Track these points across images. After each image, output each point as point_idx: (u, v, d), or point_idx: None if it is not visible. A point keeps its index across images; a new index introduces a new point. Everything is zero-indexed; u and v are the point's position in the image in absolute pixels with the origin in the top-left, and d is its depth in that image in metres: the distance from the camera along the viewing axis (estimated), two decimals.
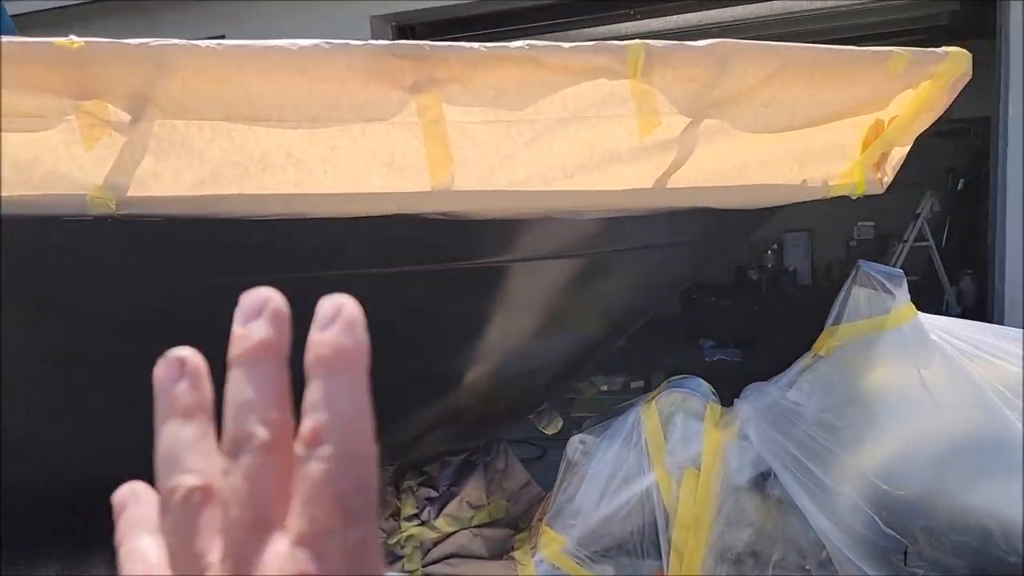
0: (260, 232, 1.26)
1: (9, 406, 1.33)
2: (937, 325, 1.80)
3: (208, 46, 1.15)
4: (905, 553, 1.63)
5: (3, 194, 1.11)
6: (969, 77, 1.56)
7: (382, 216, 1.29)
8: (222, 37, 4.92)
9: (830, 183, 1.64)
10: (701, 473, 1.95)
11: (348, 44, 1.21)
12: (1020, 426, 1.58)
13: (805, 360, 1.85)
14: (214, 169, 1.20)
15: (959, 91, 1.58)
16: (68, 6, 6.15)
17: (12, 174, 1.13)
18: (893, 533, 1.72)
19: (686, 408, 1.96)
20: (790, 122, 1.51)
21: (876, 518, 1.72)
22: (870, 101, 1.57)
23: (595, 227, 1.56)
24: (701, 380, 2.06)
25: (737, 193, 1.54)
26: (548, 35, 5.37)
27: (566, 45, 1.33)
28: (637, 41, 1.35)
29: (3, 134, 1.10)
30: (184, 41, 1.15)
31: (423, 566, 2.10)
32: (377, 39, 5.11)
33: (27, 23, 6.06)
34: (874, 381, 1.75)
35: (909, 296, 1.81)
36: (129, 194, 1.16)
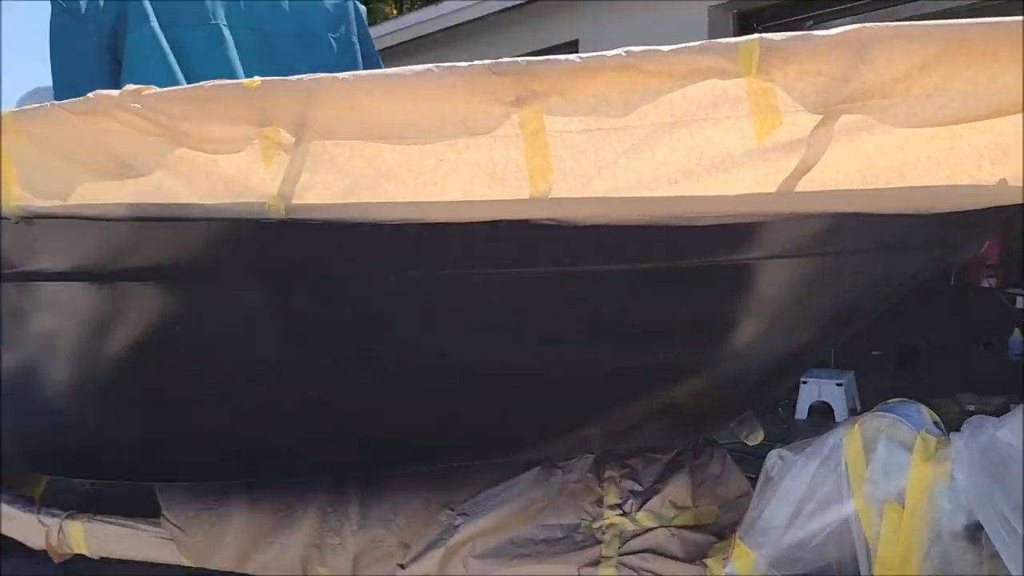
0: (394, 234, 1.49)
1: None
2: None
3: (343, 77, 1.41)
4: None
5: (215, 202, 1.50)
6: None
7: (493, 223, 1.43)
8: (576, 41, 5.35)
9: None
10: (905, 511, 1.71)
11: (454, 67, 1.36)
12: None
13: None
14: (353, 181, 1.45)
15: None
16: (464, 23, 6.97)
17: (221, 186, 1.51)
18: None
19: (891, 435, 1.74)
20: (966, 113, 1.27)
21: None
22: None
23: (796, 230, 1.50)
24: (922, 407, 1.79)
25: (898, 197, 1.34)
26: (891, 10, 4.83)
27: (666, 48, 1.31)
28: (752, 37, 1.28)
29: (214, 156, 1.49)
30: (329, 75, 1.42)
31: (619, 555, 2.18)
32: (717, 29, 5.12)
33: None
34: None
35: None
36: (294, 202, 1.48)
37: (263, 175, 1.49)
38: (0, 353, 2.47)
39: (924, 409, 1.80)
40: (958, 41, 1.23)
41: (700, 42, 1.31)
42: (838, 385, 4.05)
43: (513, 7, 6.23)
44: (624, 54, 1.32)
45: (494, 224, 1.44)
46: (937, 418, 1.78)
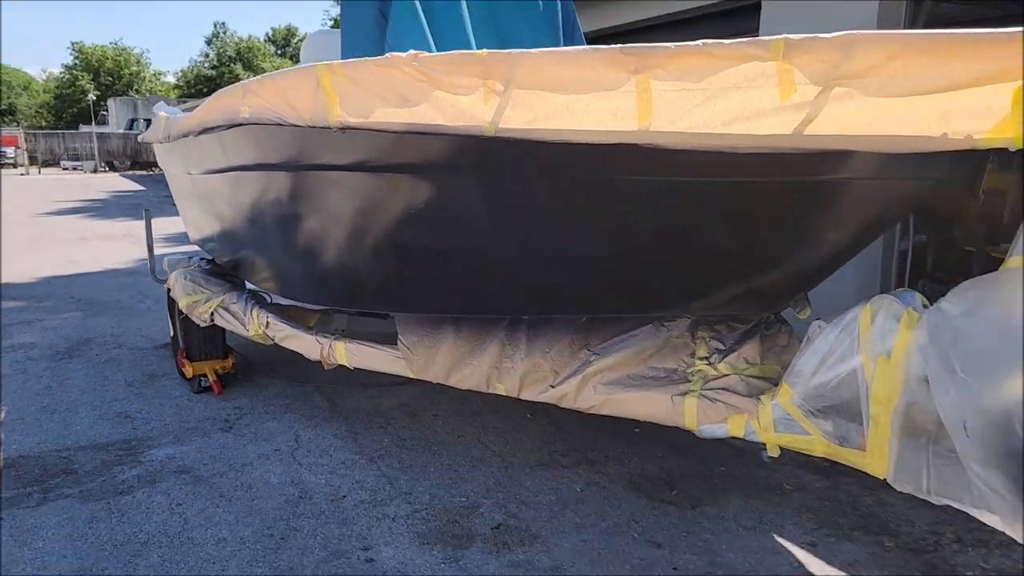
0: (558, 149, 2.44)
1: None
2: None
3: (535, 52, 2.35)
4: None
5: (455, 123, 2.53)
6: None
7: (619, 144, 2.34)
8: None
9: (976, 137, 2.02)
10: (891, 362, 2.47)
11: (598, 48, 2.28)
12: None
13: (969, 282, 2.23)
14: (535, 115, 2.41)
15: None
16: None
17: (459, 114, 2.53)
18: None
19: (887, 310, 2.49)
20: (916, 89, 2.00)
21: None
22: (1007, 71, 1.92)
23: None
24: (916, 293, 2.51)
25: (872, 141, 2.11)
26: None
27: (727, 41, 2.14)
28: (780, 36, 2.09)
29: (456, 95, 2.50)
30: (531, 51, 2.38)
31: (701, 391, 3.07)
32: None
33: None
34: (1008, 308, 2.07)
35: None
36: (500, 126, 2.46)
37: (483, 109, 2.49)
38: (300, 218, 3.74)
39: (918, 295, 2.51)
40: (910, 45, 1.97)
41: (747, 38, 2.13)
42: None
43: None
44: (702, 44, 2.17)
45: (617, 145, 2.35)
46: (926, 301, 2.49)
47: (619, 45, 2.28)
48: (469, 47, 4.45)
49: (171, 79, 73.98)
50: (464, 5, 4.45)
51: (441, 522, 3.57)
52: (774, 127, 2.17)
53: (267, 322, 4.68)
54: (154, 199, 23.15)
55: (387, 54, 2.67)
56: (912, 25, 5.86)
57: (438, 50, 4.29)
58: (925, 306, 2.50)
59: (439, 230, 3.13)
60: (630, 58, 2.25)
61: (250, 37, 68.63)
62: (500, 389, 3.58)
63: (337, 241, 3.68)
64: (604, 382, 3.27)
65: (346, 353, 4.10)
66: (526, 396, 3.49)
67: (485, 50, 2.47)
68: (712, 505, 3.73)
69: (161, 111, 6.04)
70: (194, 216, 6.19)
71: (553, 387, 3.39)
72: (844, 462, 2.72)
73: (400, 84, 2.63)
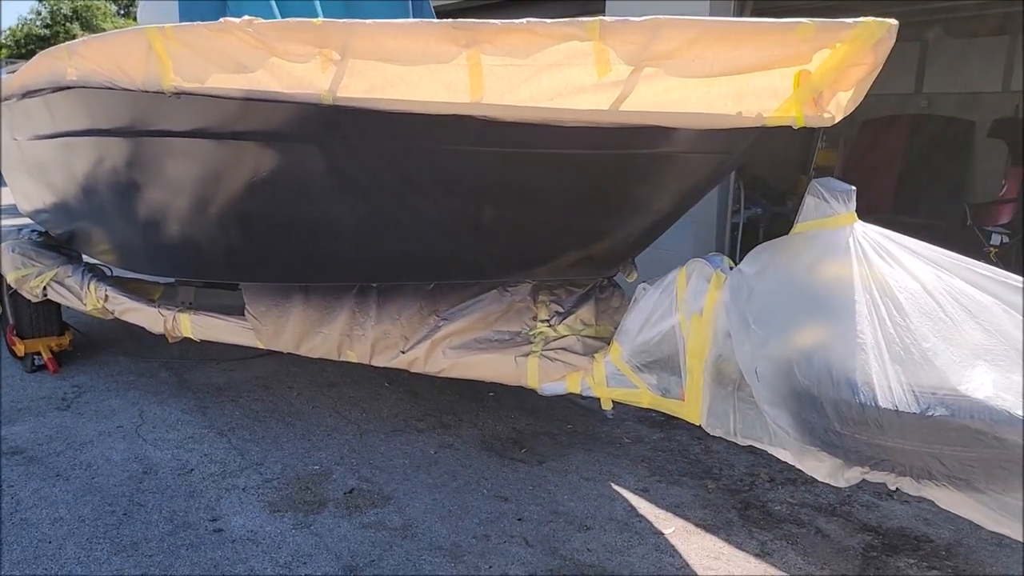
0: (392, 118, 2.51)
1: None
2: (870, 234, 2.29)
3: (370, 23, 2.40)
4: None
5: (291, 91, 2.54)
6: (891, 42, 2.06)
7: (453, 115, 2.43)
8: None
9: (765, 115, 2.26)
10: (703, 319, 2.73)
11: (431, 21, 2.36)
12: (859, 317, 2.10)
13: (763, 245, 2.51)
14: (371, 85, 2.46)
15: (887, 52, 2.08)
16: None
17: (295, 82, 2.55)
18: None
19: (700, 272, 2.74)
20: (714, 71, 2.21)
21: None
22: (790, 56, 2.16)
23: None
24: (725, 257, 2.78)
25: (679, 117, 2.31)
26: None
27: (550, 21, 2.28)
28: (595, 18, 2.24)
29: (292, 63, 2.52)
30: (361, 20, 2.42)
31: (542, 351, 3.25)
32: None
33: None
34: (790, 268, 2.35)
35: (854, 207, 2.33)
36: (337, 94, 2.50)
37: (320, 77, 2.52)
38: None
39: (726, 259, 2.78)
40: (707, 30, 2.17)
41: (567, 20, 2.28)
42: None
43: None
44: (526, 22, 2.29)
45: (452, 116, 2.45)
46: (733, 263, 2.77)
47: (452, 20, 2.38)
48: (314, 12, 4.40)
49: None
50: None
51: (293, 490, 3.60)
52: (593, 103, 2.33)
53: (106, 295, 4.50)
54: None
55: (222, 19, 2.64)
56: (742, 9, 6.27)
57: (281, 15, 4.23)
58: (731, 267, 2.77)
59: (282, 198, 3.13)
60: (461, 32, 2.34)
61: None
62: (351, 356, 3.64)
63: (179, 210, 3.60)
64: (452, 346, 3.39)
65: (191, 325, 4.03)
66: (377, 362, 3.57)
67: (320, 19, 2.50)
68: (557, 460, 3.96)
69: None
70: (24, 186, 5.79)
71: (403, 352, 3.48)
72: (667, 412, 2.98)
73: (235, 50, 2.62)
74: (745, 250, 7.36)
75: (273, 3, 4.26)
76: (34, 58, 3.69)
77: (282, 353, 3.86)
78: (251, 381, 5.01)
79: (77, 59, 3.17)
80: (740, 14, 6.17)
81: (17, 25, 64.57)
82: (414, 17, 4.82)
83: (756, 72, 2.21)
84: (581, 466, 3.90)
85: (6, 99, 4.33)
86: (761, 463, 3.88)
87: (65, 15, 62.22)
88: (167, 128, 3.19)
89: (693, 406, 2.84)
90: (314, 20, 2.49)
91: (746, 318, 2.41)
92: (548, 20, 2.30)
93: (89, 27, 59.97)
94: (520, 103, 2.37)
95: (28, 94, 3.87)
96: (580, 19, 2.26)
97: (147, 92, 2.90)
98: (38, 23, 63.32)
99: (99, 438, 4.10)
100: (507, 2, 8.33)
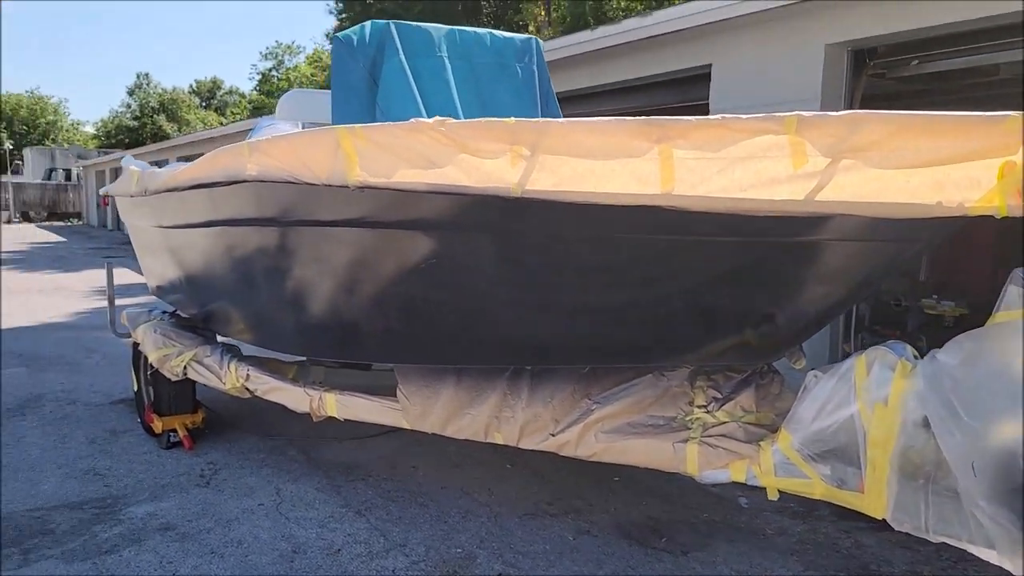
0: (583, 210, 2.59)
1: None
2: None
3: (560, 122, 2.52)
4: None
5: (480, 185, 2.66)
6: None
7: (639, 206, 2.51)
8: (709, 65, 6.40)
9: (967, 205, 2.27)
10: (888, 408, 2.68)
11: (623, 119, 2.46)
12: None
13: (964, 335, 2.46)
14: (560, 179, 2.56)
15: None
16: (613, 45, 8.08)
17: (485, 176, 2.67)
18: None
19: (882, 361, 2.71)
20: (915, 162, 2.24)
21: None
22: (995, 148, 2.18)
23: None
24: (907, 345, 2.74)
25: (878, 207, 2.33)
26: (1012, 51, 5.46)
27: (744, 117, 2.36)
28: (792, 114, 2.31)
29: (483, 159, 2.65)
30: (554, 120, 2.54)
31: (701, 437, 3.23)
32: (831, 63, 5.95)
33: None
34: (1001, 358, 2.31)
35: None
36: (526, 187, 2.61)
37: (510, 171, 2.64)
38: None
39: (908, 347, 2.74)
40: (909, 123, 2.21)
41: (762, 115, 2.35)
42: None
43: (656, 36, 7.25)
44: (721, 118, 2.38)
45: (641, 207, 2.53)
46: (916, 352, 2.72)
47: (643, 117, 2.48)
48: (454, 107, 4.62)
49: (90, 129, 72.00)
50: (449, 68, 4.63)
51: (442, 573, 3.59)
52: (788, 193, 2.38)
53: (247, 375, 4.66)
54: (78, 251, 22.47)
55: (412, 119, 2.80)
56: (852, 96, 6.34)
57: (427, 110, 4.44)
58: (916, 356, 2.73)
59: (450, 283, 3.23)
60: (653, 128, 2.44)
61: (174, 88, 67.57)
62: (498, 438, 3.66)
63: (337, 293, 3.74)
64: (605, 430, 3.39)
65: (337, 404, 4.12)
66: (525, 445, 3.58)
67: (512, 118, 2.63)
68: (701, 551, 3.86)
69: (131, 165, 5.99)
70: (160, 268, 6.11)
71: (553, 435, 3.49)
72: (842, 503, 2.89)
73: (425, 147, 2.76)
74: (855, 334, 7.23)
75: (416, 95, 4.48)
76: (209, 154, 3.94)
77: (400, 433, 3.86)
78: (377, 460, 5.07)
79: (259, 155, 3.37)
80: (852, 89, 6.23)
81: (109, 117, 69.11)
82: (543, 107, 5.00)
83: (958, 163, 2.23)
84: (728, 558, 3.79)
85: (169, 190, 4.62)
86: (920, 559, 3.71)
87: (152, 107, 66.37)
88: (337, 218, 3.34)
89: (876, 499, 2.76)
90: (507, 120, 2.63)
91: (955, 408, 2.36)
92: (741, 116, 2.37)
93: (175, 119, 63.70)
94: (712, 194, 2.43)
95: (196, 187, 4.12)
96: (775, 115, 2.33)
97: (329, 186, 3.06)
98: (127, 115, 67.65)
99: (243, 515, 4.18)
100: (609, 92, 8.63)
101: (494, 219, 2.88)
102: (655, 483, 4.61)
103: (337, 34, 4.49)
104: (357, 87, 4.43)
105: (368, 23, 4.60)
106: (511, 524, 4.13)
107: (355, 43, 4.45)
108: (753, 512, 4.30)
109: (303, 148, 3.16)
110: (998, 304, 2.43)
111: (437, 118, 2.74)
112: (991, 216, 2.30)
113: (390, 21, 4.58)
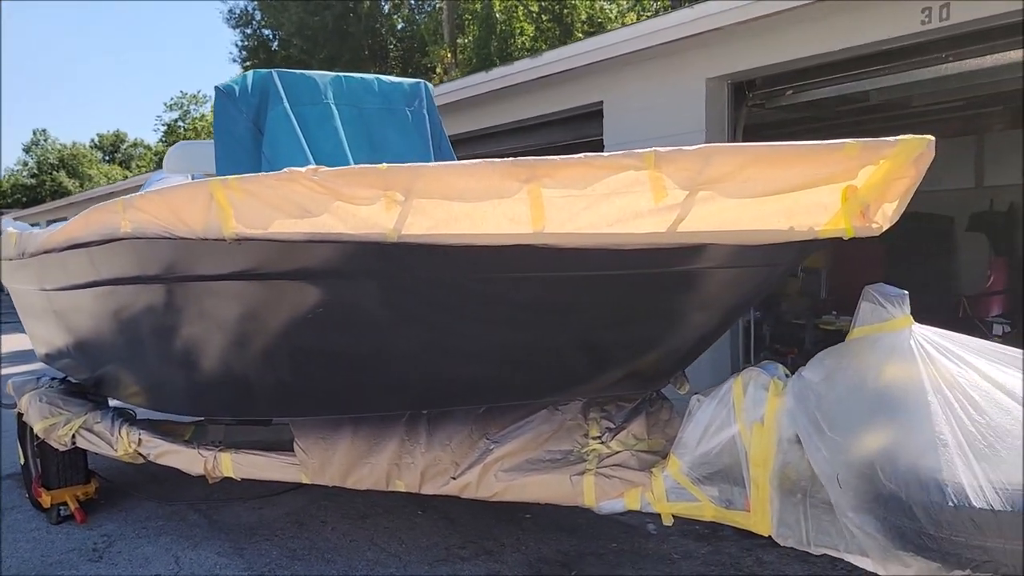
0: (458, 252, 2.62)
1: None
2: (928, 335, 2.39)
3: (433, 165, 2.55)
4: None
5: (357, 231, 2.66)
6: (931, 155, 2.22)
7: (514, 245, 2.55)
8: (600, 103, 6.58)
9: (816, 229, 2.39)
10: (764, 427, 2.78)
11: (492, 160, 2.51)
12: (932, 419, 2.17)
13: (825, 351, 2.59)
14: (435, 222, 2.59)
15: (927, 164, 2.24)
16: (507, 86, 8.24)
17: (360, 223, 2.67)
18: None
19: (757, 381, 2.81)
20: (766, 191, 2.36)
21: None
22: (837, 174, 2.32)
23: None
24: (779, 365, 2.86)
25: (734, 235, 2.44)
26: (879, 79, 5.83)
27: (605, 154, 2.44)
28: (649, 150, 2.40)
29: (357, 206, 2.65)
30: (426, 164, 2.57)
31: (596, 469, 3.26)
32: (713, 95, 6.22)
33: None
34: (857, 372, 2.43)
35: (909, 310, 2.44)
36: (402, 232, 2.62)
37: (385, 217, 2.65)
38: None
39: (780, 366, 2.86)
40: (757, 155, 2.33)
41: (622, 152, 2.43)
42: None
43: (548, 75, 7.46)
44: (584, 156, 2.45)
45: (513, 246, 2.57)
46: (788, 371, 2.84)
47: (511, 158, 2.53)
48: (344, 153, 4.61)
49: None
50: (337, 114, 4.63)
51: None
52: (651, 226, 2.46)
53: (139, 439, 4.46)
54: None
55: (286, 169, 2.78)
56: (735, 127, 6.65)
57: (315, 158, 4.41)
58: (787, 375, 2.85)
59: (337, 332, 3.20)
60: (521, 169, 2.49)
61: (74, 144, 65.04)
62: (400, 486, 3.61)
63: (226, 350, 3.65)
64: (504, 468, 3.39)
65: (232, 464, 3.99)
66: (427, 490, 3.54)
67: (385, 164, 2.64)
68: None
69: (9, 227, 5.74)
70: (47, 333, 5.84)
71: (455, 478, 3.47)
72: (732, 524, 2.97)
73: (300, 196, 2.74)
74: (757, 353, 7.49)
75: (303, 143, 4.45)
76: (82, 213, 3.81)
77: (309, 488, 3.79)
78: (283, 518, 4.92)
79: (133, 212, 3.29)
80: (735, 99, 6.49)
81: (5, 176, 65.98)
82: (435, 150, 5.05)
83: (805, 189, 2.35)
84: None
85: (44, 252, 4.44)
86: (817, 571, 3.82)
87: (51, 164, 63.60)
88: (219, 272, 3.27)
89: (761, 517, 2.84)
90: (379, 166, 2.64)
91: (819, 424, 2.46)
92: (603, 154, 2.45)
93: (76, 174, 61.27)
94: (581, 230, 2.49)
95: (72, 247, 3.97)
96: (635, 151, 2.42)
97: (205, 239, 3.00)
98: (24, 173, 64.63)
99: None
100: (503, 132, 8.78)
101: (375, 265, 2.87)
102: (565, 518, 4.62)
103: (217, 85, 4.43)
104: (241, 137, 4.38)
105: (251, 72, 4.57)
106: (421, 573, 4.06)
107: (237, 93, 4.41)
108: (660, 538, 4.35)
109: (177, 202, 3.10)
110: (853, 320, 2.57)
111: (310, 166, 2.73)
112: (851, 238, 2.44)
113: (272, 70, 4.56)
